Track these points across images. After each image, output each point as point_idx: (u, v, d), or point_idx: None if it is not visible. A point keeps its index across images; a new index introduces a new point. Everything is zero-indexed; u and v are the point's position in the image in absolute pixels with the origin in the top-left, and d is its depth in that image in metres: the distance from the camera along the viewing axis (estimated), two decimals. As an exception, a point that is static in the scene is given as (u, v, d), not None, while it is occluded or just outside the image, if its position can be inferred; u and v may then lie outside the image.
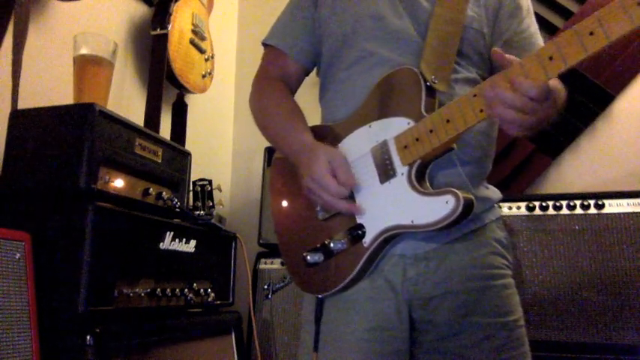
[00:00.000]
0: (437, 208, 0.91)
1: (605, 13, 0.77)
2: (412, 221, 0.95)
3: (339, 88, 1.15)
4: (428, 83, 0.99)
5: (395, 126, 1.00)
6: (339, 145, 1.09)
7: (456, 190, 0.91)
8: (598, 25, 0.77)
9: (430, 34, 1.05)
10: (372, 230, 1.01)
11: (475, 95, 0.90)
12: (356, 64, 1.12)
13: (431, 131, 0.94)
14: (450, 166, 1.02)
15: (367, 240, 1.01)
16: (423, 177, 0.98)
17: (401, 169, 0.98)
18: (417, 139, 0.96)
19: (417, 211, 0.94)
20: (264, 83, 1.25)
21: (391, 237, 1.00)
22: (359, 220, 1.03)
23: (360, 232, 1.02)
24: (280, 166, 1.22)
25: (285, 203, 1.20)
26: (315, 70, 1.28)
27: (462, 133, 0.92)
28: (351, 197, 1.04)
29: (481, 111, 0.90)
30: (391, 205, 0.98)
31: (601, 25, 0.77)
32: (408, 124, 0.99)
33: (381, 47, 1.09)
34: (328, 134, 1.12)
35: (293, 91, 1.27)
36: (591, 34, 0.77)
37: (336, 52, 1.16)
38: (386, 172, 1.00)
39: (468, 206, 0.91)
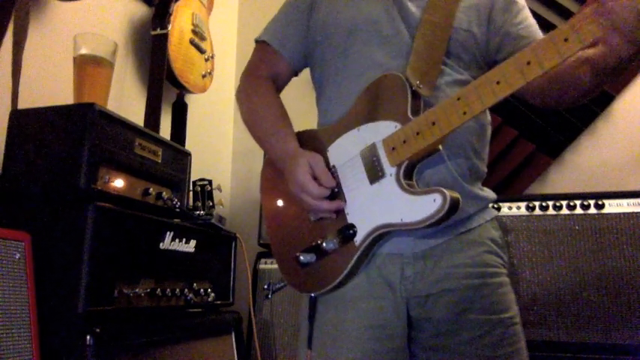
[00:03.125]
0: (425, 206, 0.95)
1: None
2: (401, 219, 0.98)
3: (335, 91, 1.17)
4: (413, 88, 1.02)
5: (383, 129, 1.03)
6: (329, 148, 1.12)
7: (443, 189, 0.94)
8: None
9: (417, 40, 1.08)
10: (363, 229, 1.03)
11: (459, 99, 0.94)
12: (351, 68, 1.14)
13: (417, 133, 0.98)
14: (442, 166, 1.05)
15: (358, 239, 1.04)
16: (411, 177, 1.02)
17: (389, 170, 1.01)
18: (405, 141, 0.99)
19: (406, 210, 0.98)
20: (255, 81, 1.27)
21: (381, 235, 1.03)
22: (350, 220, 1.06)
23: (351, 231, 1.05)
24: (271, 168, 1.23)
25: (276, 205, 1.22)
26: (309, 72, 1.30)
27: (446, 135, 0.96)
28: (332, 198, 1.08)
29: (464, 113, 0.93)
30: (381, 204, 1.01)
31: None
32: (396, 127, 1.02)
33: (376, 51, 1.11)
34: (318, 138, 1.15)
35: (279, 91, 1.30)
36: None
37: (331, 55, 1.18)
38: (375, 174, 1.03)
39: (455, 204, 0.94)
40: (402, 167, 1.00)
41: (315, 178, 1.06)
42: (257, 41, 1.31)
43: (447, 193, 0.93)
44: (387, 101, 1.04)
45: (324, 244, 1.06)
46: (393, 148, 1.01)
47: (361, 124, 1.07)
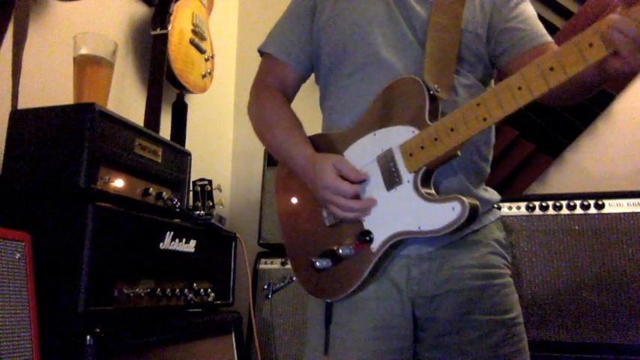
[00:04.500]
0: (443, 214, 0.94)
1: None
2: (419, 227, 0.97)
3: (342, 96, 1.16)
4: (431, 92, 1.00)
5: (400, 134, 1.02)
6: (344, 153, 1.10)
7: (462, 197, 0.93)
8: None
9: (429, 42, 1.06)
10: (380, 236, 1.02)
11: (479, 104, 0.92)
12: (357, 72, 1.13)
13: (435, 139, 0.96)
14: (449, 171, 1.04)
15: (375, 246, 1.03)
16: (429, 183, 1.00)
17: (407, 177, 1.00)
18: (422, 147, 0.98)
19: (424, 217, 0.96)
20: (263, 93, 1.25)
21: (398, 242, 1.02)
22: (366, 227, 1.04)
23: (367, 237, 1.03)
24: (285, 174, 1.22)
25: (291, 211, 1.20)
26: (314, 74, 1.29)
27: (466, 141, 0.94)
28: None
29: (484, 119, 0.91)
30: (398, 211, 1.00)
31: None
32: (413, 132, 1.00)
33: (381, 53, 1.10)
34: (333, 143, 1.14)
35: (290, 100, 1.28)
36: None
37: (336, 59, 1.17)
38: (392, 180, 1.02)
39: (474, 212, 0.93)
40: (419, 174, 0.99)
41: (342, 178, 1.04)
42: (261, 52, 1.29)
43: (466, 201, 0.92)
44: (404, 105, 1.03)
45: (340, 250, 1.04)
46: (411, 154, 0.99)
47: (378, 128, 1.06)
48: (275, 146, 1.21)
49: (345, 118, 1.13)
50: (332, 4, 1.20)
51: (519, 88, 0.88)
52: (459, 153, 0.97)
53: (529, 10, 1.16)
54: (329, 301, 1.09)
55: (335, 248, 1.05)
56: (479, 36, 1.12)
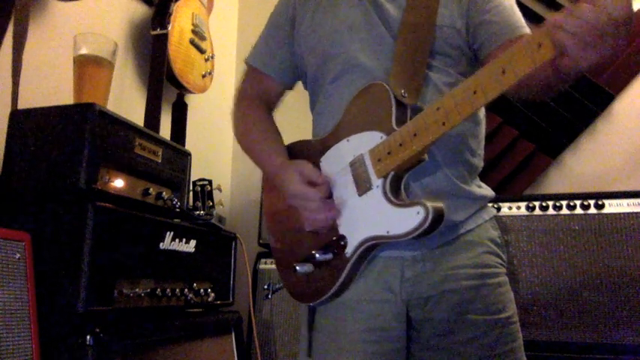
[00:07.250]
0: (408, 218, 0.94)
1: None
2: (388, 232, 0.98)
3: (327, 102, 1.17)
4: (397, 97, 1.01)
5: (370, 140, 1.03)
6: (322, 159, 1.12)
7: (426, 202, 0.93)
8: None
9: (398, 44, 1.06)
10: (353, 241, 1.03)
11: (438, 109, 0.92)
12: (340, 78, 1.13)
13: (400, 145, 0.97)
14: (438, 172, 1.04)
15: (349, 250, 1.04)
16: (398, 188, 1.01)
17: (376, 182, 1.01)
18: (389, 153, 0.99)
19: (392, 222, 0.97)
20: (243, 103, 1.29)
21: (372, 247, 1.03)
22: (341, 232, 1.06)
23: (342, 242, 1.05)
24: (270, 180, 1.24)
25: (276, 214, 1.22)
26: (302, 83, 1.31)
27: (429, 145, 0.95)
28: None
29: (443, 124, 0.91)
30: (369, 216, 1.01)
31: None
32: (381, 137, 1.01)
33: (360, 59, 1.10)
34: (311, 149, 1.15)
35: (272, 107, 1.31)
36: None
37: (319, 66, 1.18)
38: (363, 185, 1.03)
39: (439, 216, 0.93)
40: (387, 179, 0.99)
41: (309, 183, 1.06)
42: (245, 63, 1.33)
43: (429, 205, 0.92)
44: (374, 111, 1.04)
45: (317, 255, 1.06)
46: (379, 160, 1.00)
47: (351, 134, 1.07)
48: (251, 154, 1.24)
49: (329, 124, 1.14)
50: (311, 13, 1.21)
51: (474, 92, 0.87)
52: (426, 157, 0.98)
53: (505, 1, 1.12)
54: (311, 305, 1.10)
55: (313, 253, 1.07)
56: (457, 29, 1.10)
